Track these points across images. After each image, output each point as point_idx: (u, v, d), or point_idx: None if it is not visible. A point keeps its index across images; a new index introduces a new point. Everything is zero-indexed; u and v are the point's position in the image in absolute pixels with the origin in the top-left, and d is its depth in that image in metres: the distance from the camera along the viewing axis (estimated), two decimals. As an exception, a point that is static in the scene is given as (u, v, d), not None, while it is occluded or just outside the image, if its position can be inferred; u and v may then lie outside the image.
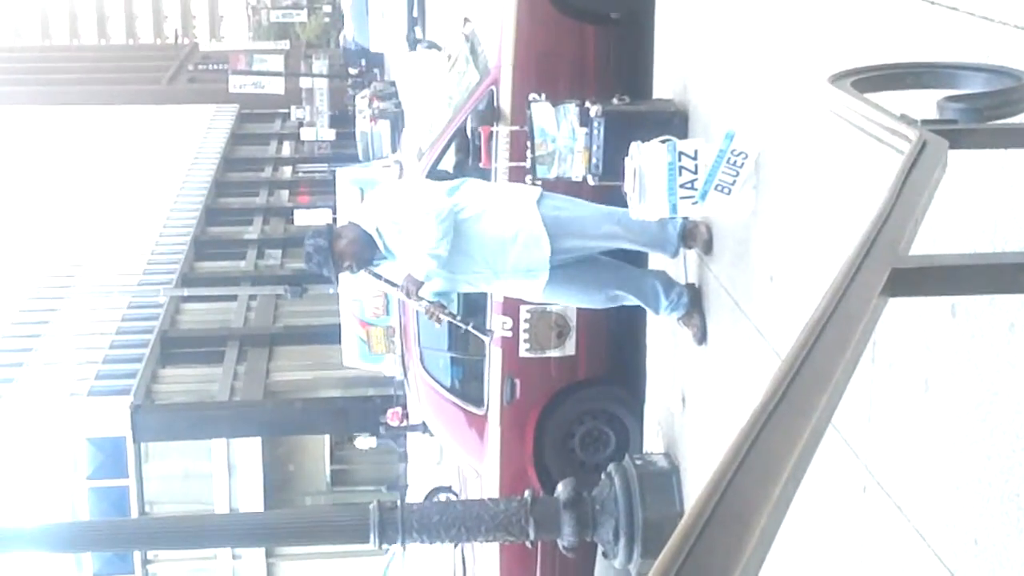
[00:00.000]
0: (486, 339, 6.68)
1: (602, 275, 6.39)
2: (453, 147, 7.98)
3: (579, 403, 8.02)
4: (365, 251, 6.01)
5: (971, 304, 3.40)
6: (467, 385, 8.13)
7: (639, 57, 7.50)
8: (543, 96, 6.62)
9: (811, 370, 0.97)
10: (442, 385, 8.21)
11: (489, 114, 7.44)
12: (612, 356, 7.98)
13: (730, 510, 0.81)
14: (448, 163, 8.19)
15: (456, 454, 8.93)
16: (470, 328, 6.39)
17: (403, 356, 8.45)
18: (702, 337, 6.31)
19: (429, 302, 5.97)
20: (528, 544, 6.61)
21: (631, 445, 7.97)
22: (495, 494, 8.09)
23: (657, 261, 6.89)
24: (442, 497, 10.95)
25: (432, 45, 14.66)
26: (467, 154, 7.82)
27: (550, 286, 6.21)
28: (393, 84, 29.37)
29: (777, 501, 0.82)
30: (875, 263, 1.13)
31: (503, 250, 6.06)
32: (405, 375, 8.71)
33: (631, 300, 6.42)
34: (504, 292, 6.74)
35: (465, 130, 7.56)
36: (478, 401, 8.02)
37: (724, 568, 0.77)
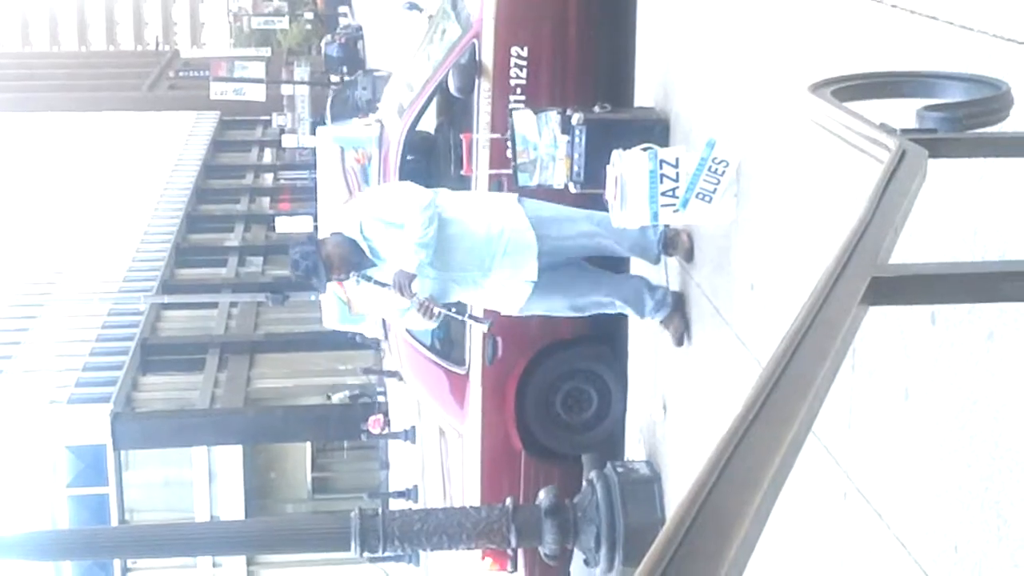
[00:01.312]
0: (483, 327, 6.55)
1: (585, 280, 6.38)
2: (434, 103, 7.95)
3: (562, 362, 7.92)
4: (351, 256, 5.98)
5: (951, 313, 3.41)
6: (449, 345, 7.99)
7: (620, 10, 7.51)
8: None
9: (791, 378, 0.98)
10: (423, 345, 8.07)
11: (471, 67, 7.40)
12: (595, 315, 7.96)
13: (711, 517, 0.81)
14: (429, 121, 8.14)
15: (437, 415, 8.83)
16: (467, 319, 6.30)
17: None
18: (680, 339, 6.32)
19: (423, 298, 5.90)
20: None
21: (613, 405, 7.92)
22: (476, 455, 8.02)
23: (639, 268, 6.90)
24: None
25: (413, 6, 14.70)
26: (449, 113, 7.79)
27: (534, 295, 6.18)
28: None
29: (758, 508, 0.82)
30: (855, 272, 1.14)
31: (490, 245, 6.05)
32: (386, 336, 8.61)
33: (616, 307, 6.42)
34: (486, 303, 6.67)
35: (446, 85, 7.54)
36: (460, 361, 7.91)
37: (706, 575, 0.77)
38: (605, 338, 7.85)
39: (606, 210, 5.97)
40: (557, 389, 8.00)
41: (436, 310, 5.89)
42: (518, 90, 7.39)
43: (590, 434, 8.05)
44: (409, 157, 7.92)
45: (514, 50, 7.34)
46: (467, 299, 6.47)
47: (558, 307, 6.44)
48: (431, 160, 8.36)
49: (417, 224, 5.89)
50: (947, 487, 3.47)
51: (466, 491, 8.38)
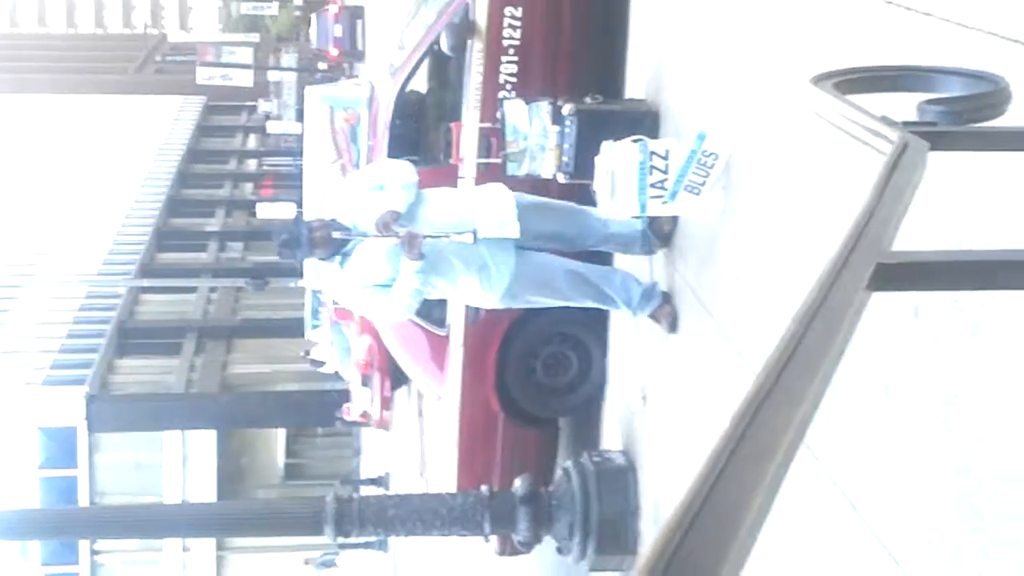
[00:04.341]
0: (469, 239, 6.33)
1: (567, 269, 6.39)
2: (426, 64, 7.92)
3: (544, 325, 7.78)
4: (334, 236, 6.04)
5: (934, 307, 3.44)
6: (430, 305, 7.63)
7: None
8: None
9: (800, 360, 1.00)
10: None
11: (464, 27, 7.38)
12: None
13: (724, 492, 0.83)
14: (421, 81, 8.10)
15: (417, 377, 8.76)
16: (450, 236, 6.06)
17: None
18: (674, 324, 6.28)
19: (408, 232, 5.85)
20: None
21: (592, 370, 7.87)
22: (455, 419, 7.98)
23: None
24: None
25: None
26: (441, 75, 7.73)
27: (516, 285, 6.20)
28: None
29: (771, 482, 0.85)
30: (860, 258, 1.16)
31: (470, 203, 6.15)
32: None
33: (602, 296, 6.40)
34: (464, 299, 6.62)
35: (439, 45, 7.52)
36: (441, 322, 7.82)
37: (718, 552, 0.78)
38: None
39: (594, 203, 6.00)
40: (538, 352, 7.87)
41: (420, 240, 5.84)
42: (511, 51, 7.36)
43: (569, 398, 8.03)
44: (399, 120, 7.88)
45: (507, 10, 7.34)
46: (445, 295, 6.46)
47: (541, 296, 6.44)
48: (421, 123, 8.32)
49: (406, 171, 6.10)
50: (924, 480, 3.51)
51: (443, 458, 8.34)
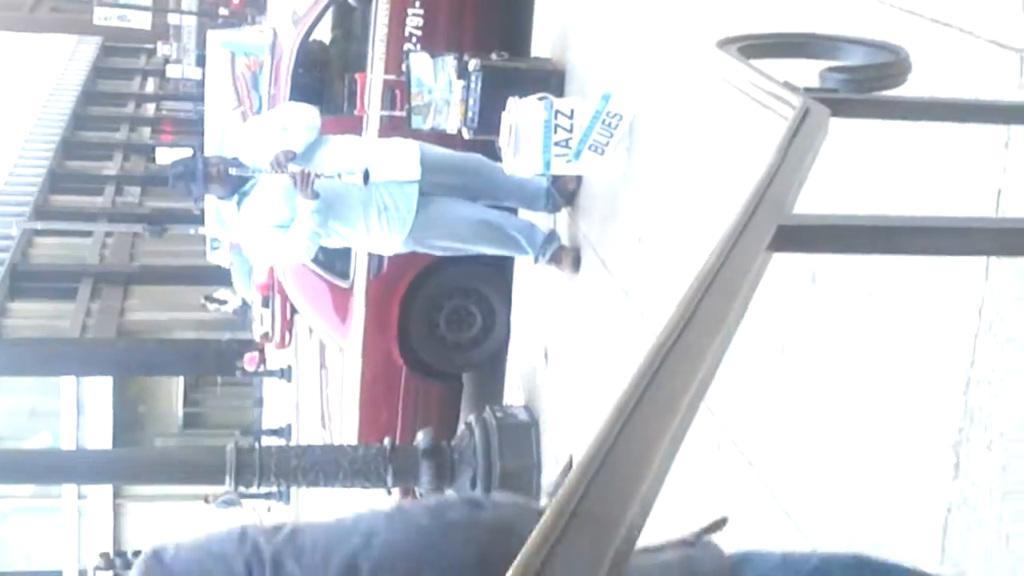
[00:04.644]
0: (359, 180, 6.20)
1: (475, 215, 6.39)
2: (330, 13, 7.84)
3: (447, 280, 7.82)
4: (231, 172, 6.01)
5: (831, 272, 3.52)
6: (333, 256, 7.66)
7: None
8: None
9: (702, 317, 1.02)
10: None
11: None
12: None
13: (630, 442, 0.85)
14: (325, 31, 8.00)
15: (319, 329, 8.73)
16: (341, 176, 5.99)
17: None
18: (577, 264, 6.35)
19: (300, 171, 5.83)
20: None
21: (496, 326, 7.92)
22: (357, 371, 7.97)
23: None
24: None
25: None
26: (345, 24, 7.67)
27: (419, 228, 6.19)
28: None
29: (673, 434, 0.86)
30: (762, 219, 1.18)
31: (368, 203, 6.11)
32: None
33: (504, 240, 6.42)
34: (367, 244, 6.58)
35: None
36: (344, 274, 7.78)
37: (619, 507, 0.80)
38: (492, 258, 7.82)
39: (498, 159, 6.02)
40: (441, 306, 7.89)
41: (313, 179, 5.82)
42: (416, 3, 7.32)
43: (472, 353, 8.05)
44: (301, 69, 7.80)
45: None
46: (348, 240, 6.43)
47: (445, 241, 6.43)
48: (325, 72, 8.23)
49: (309, 114, 6.13)
50: (816, 440, 3.60)
51: (345, 410, 8.33)
